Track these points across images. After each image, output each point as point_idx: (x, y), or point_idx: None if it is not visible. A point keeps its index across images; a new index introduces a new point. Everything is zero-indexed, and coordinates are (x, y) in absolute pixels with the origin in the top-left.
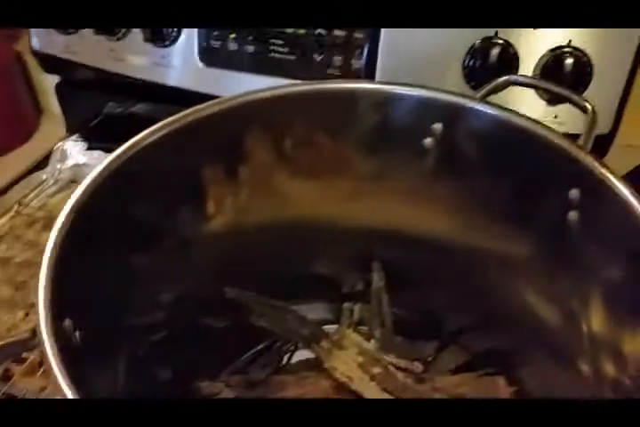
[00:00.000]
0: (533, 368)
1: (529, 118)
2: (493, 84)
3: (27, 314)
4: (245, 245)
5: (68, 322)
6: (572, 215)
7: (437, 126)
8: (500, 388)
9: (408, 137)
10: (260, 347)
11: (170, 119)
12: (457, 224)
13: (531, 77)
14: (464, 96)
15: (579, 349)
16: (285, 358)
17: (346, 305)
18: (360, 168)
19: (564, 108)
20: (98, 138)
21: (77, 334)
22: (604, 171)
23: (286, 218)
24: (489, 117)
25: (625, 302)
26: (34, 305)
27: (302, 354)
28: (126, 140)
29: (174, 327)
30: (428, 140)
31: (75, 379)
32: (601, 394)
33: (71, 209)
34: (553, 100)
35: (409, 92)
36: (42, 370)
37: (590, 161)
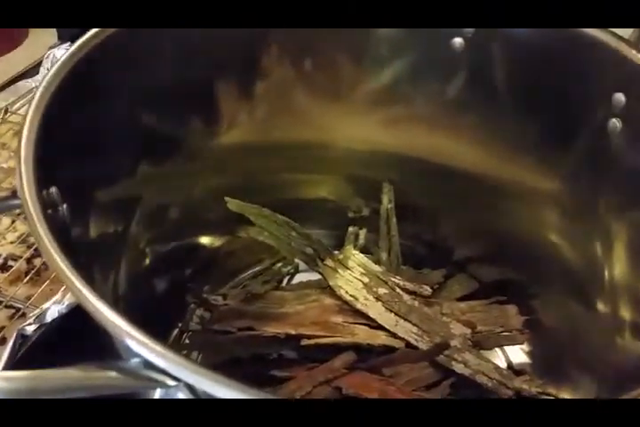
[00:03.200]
0: (547, 300)
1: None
2: None
3: (13, 221)
4: (255, 163)
5: (54, 190)
6: (614, 124)
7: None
8: (511, 316)
9: (435, 58)
10: (261, 267)
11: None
12: (482, 153)
13: None
14: None
15: (598, 290)
16: (286, 280)
17: (351, 229)
18: (383, 92)
19: None
20: None
21: (65, 206)
22: None
23: (301, 138)
24: None
25: None
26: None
27: (304, 277)
28: None
29: (176, 241)
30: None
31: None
32: (618, 332)
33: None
34: None
35: None
36: (28, 278)
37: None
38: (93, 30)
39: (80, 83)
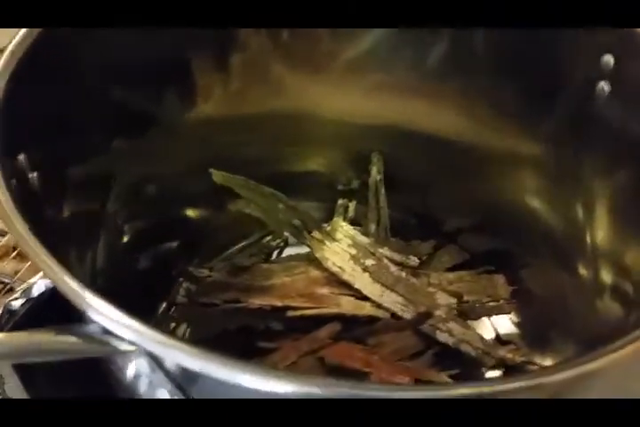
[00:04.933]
0: (534, 269)
1: None
2: None
3: None
4: (238, 136)
5: (22, 157)
6: (601, 87)
7: None
8: (499, 286)
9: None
10: (248, 241)
11: None
12: (465, 120)
13: None
14: None
15: (580, 255)
16: (275, 253)
17: (340, 202)
18: (363, 61)
19: None
20: None
21: (35, 175)
22: None
23: (283, 111)
24: None
25: (631, 213)
26: None
27: (293, 250)
28: None
29: (158, 217)
30: None
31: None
32: (599, 296)
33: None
34: None
35: None
36: (15, 253)
37: None
38: None
39: (49, 52)
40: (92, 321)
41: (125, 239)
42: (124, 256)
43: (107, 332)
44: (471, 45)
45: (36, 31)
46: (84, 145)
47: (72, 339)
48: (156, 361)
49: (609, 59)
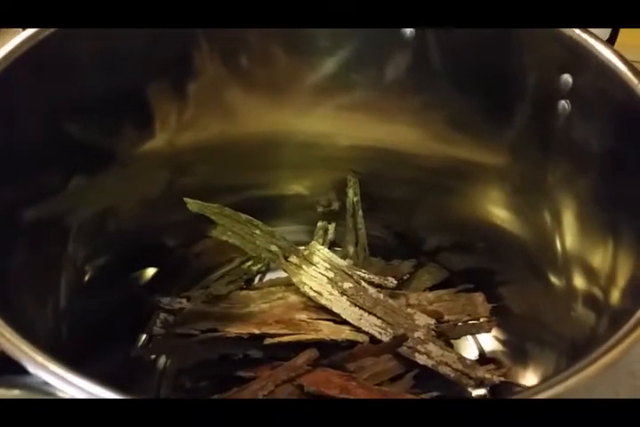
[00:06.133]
0: (513, 285)
1: None
2: None
3: None
4: (210, 164)
5: None
6: (562, 105)
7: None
8: (479, 304)
9: (380, 46)
10: (229, 266)
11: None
12: (428, 136)
13: None
14: None
15: (551, 264)
16: (257, 279)
17: (320, 224)
18: (325, 82)
19: None
20: None
21: None
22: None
23: (254, 137)
24: None
25: (595, 218)
26: None
27: (275, 274)
28: None
29: (126, 249)
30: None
31: None
32: (572, 304)
33: None
34: None
35: None
36: None
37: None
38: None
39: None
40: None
41: (89, 275)
42: (91, 293)
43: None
44: (432, 63)
45: None
46: (40, 188)
47: (15, 391)
48: None
49: (567, 78)
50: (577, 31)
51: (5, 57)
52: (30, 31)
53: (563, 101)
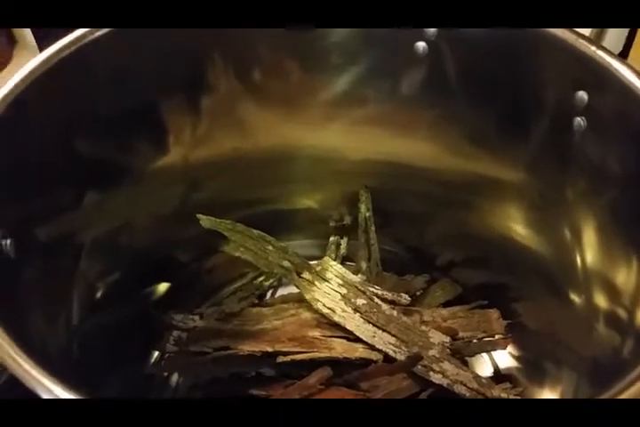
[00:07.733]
0: (529, 302)
1: None
2: None
3: None
4: (224, 179)
5: None
6: (578, 122)
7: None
8: (494, 321)
9: (394, 62)
10: (241, 282)
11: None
12: (443, 151)
13: None
14: None
15: (571, 281)
16: (268, 294)
17: (332, 239)
18: (339, 97)
19: None
20: None
21: (8, 242)
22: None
23: (266, 152)
24: None
25: (617, 234)
26: None
27: (287, 289)
28: None
29: (139, 265)
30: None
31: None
32: (593, 324)
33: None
34: None
35: None
36: None
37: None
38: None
39: (9, 118)
40: None
41: (101, 292)
42: (104, 309)
43: None
44: (447, 78)
45: None
46: (56, 204)
47: None
48: None
49: (582, 95)
50: (592, 48)
51: (22, 75)
52: (47, 51)
53: (578, 118)
